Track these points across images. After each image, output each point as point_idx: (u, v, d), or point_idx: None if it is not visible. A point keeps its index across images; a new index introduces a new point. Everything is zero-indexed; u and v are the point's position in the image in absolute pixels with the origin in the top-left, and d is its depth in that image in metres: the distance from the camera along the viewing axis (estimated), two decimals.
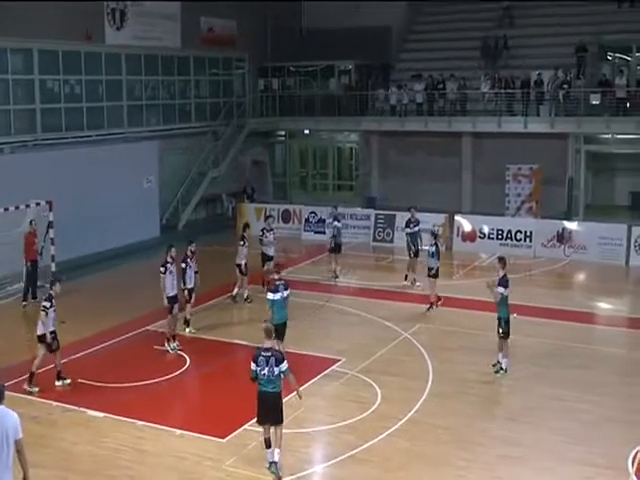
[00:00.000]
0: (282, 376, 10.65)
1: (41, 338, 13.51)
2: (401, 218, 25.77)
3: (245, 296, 19.21)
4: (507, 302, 14.36)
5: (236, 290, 19.21)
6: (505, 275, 14.41)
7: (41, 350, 13.52)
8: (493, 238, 24.02)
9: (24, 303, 18.92)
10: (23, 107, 23.74)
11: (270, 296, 14.26)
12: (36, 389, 13.49)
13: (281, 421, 10.84)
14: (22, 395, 13.22)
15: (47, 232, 20.64)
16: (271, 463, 10.78)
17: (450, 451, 11.54)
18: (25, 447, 11.40)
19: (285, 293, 14.41)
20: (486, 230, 24.18)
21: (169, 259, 15.65)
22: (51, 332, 13.59)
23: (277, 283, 14.50)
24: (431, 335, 16.57)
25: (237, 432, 12.09)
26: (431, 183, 29.14)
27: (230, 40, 32.52)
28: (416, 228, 20.58)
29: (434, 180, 29.27)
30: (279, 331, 13.96)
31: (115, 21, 26.78)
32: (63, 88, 25.10)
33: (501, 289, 14.21)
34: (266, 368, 10.57)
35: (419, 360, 15.13)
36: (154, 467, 11.07)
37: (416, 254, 20.50)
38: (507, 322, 14.30)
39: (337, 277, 21.53)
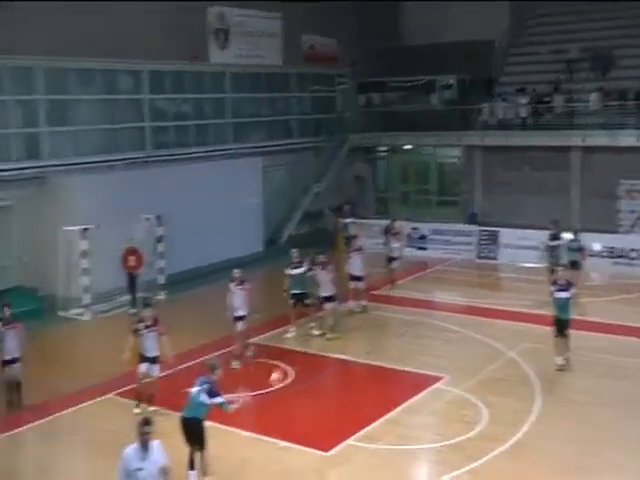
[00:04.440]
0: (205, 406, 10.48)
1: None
2: (505, 234, 25.34)
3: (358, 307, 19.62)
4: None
5: (363, 302, 19.60)
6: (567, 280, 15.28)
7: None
8: (605, 257, 23.09)
9: (131, 311, 19.62)
10: (134, 125, 24.60)
11: (287, 271, 17.32)
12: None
13: (201, 447, 10.59)
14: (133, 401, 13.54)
15: (156, 246, 21.27)
16: None
17: (560, 476, 11.09)
18: None
19: (296, 271, 17.23)
20: (597, 248, 23.23)
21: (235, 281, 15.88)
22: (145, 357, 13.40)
23: (295, 261, 17.33)
24: (538, 355, 15.98)
25: (341, 446, 12.02)
26: (537, 199, 28.30)
27: (331, 56, 32.80)
28: (556, 242, 20.25)
29: (540, 195, 28.45)
30: (300, 299, 17.29)
31: (219, 41, 27.47)
32: (171, 107, 25.91)
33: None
34: (196, 388, 10.52)
35: (525, 380, 14.68)
36: (257, 477, 11.13)
37: (551, 270, 19.96)
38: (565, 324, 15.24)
39: None
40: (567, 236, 20.55)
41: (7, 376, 13.72)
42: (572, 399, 13.87)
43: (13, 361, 13.66)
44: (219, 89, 27.63)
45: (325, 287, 17.39)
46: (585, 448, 11.92)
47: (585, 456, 11.67)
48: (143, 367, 13.22)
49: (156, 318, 13.39)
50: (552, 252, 20.39)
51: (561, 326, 15.04)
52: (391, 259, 21.72)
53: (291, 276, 17.35)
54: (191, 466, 10.60)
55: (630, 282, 21.90)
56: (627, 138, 26.50)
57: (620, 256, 23.07)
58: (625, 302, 20.30)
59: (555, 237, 20.48)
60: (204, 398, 10.40)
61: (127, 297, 20.19)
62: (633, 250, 22.93)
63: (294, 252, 17.70)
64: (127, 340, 13.33)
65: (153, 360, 13.31)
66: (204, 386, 10.46)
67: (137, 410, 13.11)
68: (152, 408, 13.23)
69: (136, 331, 13.18)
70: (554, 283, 15.11)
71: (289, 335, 17.57)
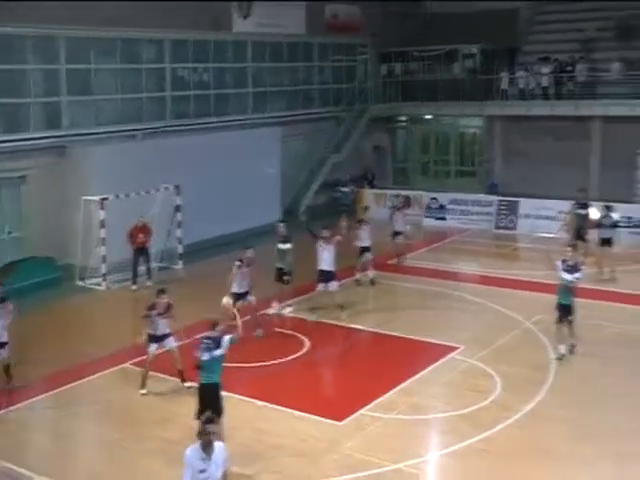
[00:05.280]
0: (221, 362, 10.55)
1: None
2: (525, 204, 25.26)
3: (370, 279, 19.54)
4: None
5: (368, 273, 19.55)
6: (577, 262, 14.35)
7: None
8: (622, 226, 22.93)
9: (133, 287, 19.60)
10: (155, 95, 24.59)
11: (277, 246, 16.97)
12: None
13: (219, 414, 10.27)
14: (151, 373, 13.53)
15: (174, 215, 21.45)
16: None
17: (572, 446, 11.19)
18: (154, 423, 12.11)
19: (283, 246, 16.86)
20: (615, 217, 23.09)
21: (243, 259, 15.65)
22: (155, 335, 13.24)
23: (281, 236, 16.97)
24: (553, 325, 16.01)
25: (354, 416, 12.17)
26: (557, 169, 28.14)
27: (354, 26, 32.52)
28: (582, 210, 20.47)
29: (560, 165, 28.24)
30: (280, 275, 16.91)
31: (242, 10, 27.32)
32: (192, 76, 25.91)
33: (578, 274, 14.20)
34: (206, 354, 10.50)
35: (541, 351, 14.75)
36: (272, 446, 11.29)
37: (581, 236, 20.32)
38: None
39: None
40: (596, 211, 20.44)
41: None
42: (586, 369, 13.92)
43: (1, 345, 13.35)
44: (240, 58, 27.53)
45: (326, 262, 16.90)
46: (598, 416, 12.02)
47: (598, 424, 11.77)
48: (153, 347, 13.23)
49: (169, 304, 13.23)
50: (578, 220, 20.43)
51: (561, 311, 14.41)
52: (396, 233, 21.43)
53: (279, 251, 16.94)
54: None
55: None
56: None
57: (637, 226, 22.96)
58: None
59: (583, 205, 20.51)
60: (216, 353, 10.49)
61: (140, 269, 20.00)
62: None
63: (280, 226, 17.28)
64: (142, 323, 13.32)
65: (163, 337, 13.27)
66: (212, 345, 10.53)
67: (143, 391, 13.16)
68: (188, 384, 13.08)
69: (147, 317, 13.14)
70: (563, 261, 14.41)
71: (271, 311, 17.12)
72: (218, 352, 10.54)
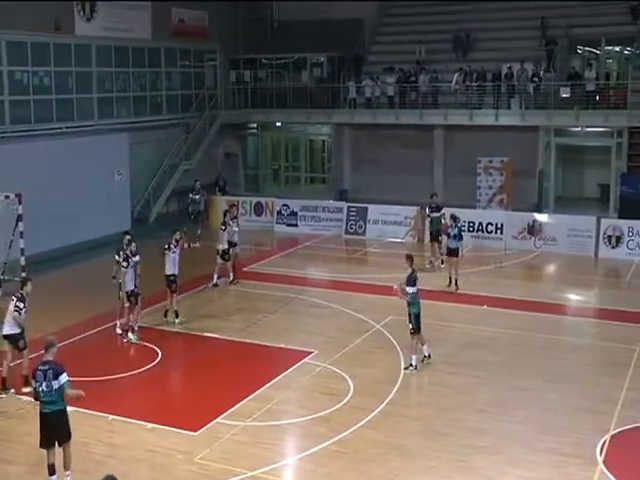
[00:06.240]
0: (62, 391, 9.89)
1: (9, 338, 13.04)
2: (373, 211, 25.99)
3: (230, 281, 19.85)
4: (418, 298, 14.36)
5: (216, 277, 19.67)
6: (413, 272, 14.36)
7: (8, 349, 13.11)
8: (464, 230, 24.06)
9: None
10: None
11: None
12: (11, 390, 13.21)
13: (68, 438, 10.06)
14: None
15: (16, 225, 20.39)
16: None
17: (422, 442, 11.64)
18: None
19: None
20: (460, 227, 24.13)
21: (128, 252, 15.77)
22: (20, 333, 13.07)
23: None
24: (402, 327, 16.38)
25: (209, 425, 12.08)
26: (403, 176, 29.25)
27: (201, 31, 32.38)
28: (436, 214, 21.40)
29: (406, 173, 29.37)
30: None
31: (85, 12, 26.48)
32: (32, 80, 24.80)
33: (410, 289, 14.19)
34: (44, 383, 9.86)
35: (391, 352, 15.22)
36: (125, 461, 11.02)
37: (435, 239, 21.45)
38: (417, 318, 14.38)
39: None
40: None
41: None
42: (433, 368, 14.49)
43: None
44: (84, 62, 26.68)
45: (174, 267, 16.83)
46: (445, 414, 12.54)
47: (445, 421, 12.27)
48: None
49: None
50: (432, 224, 21.62)
51: (409, 319, 14.48)
52: (230, 244, 20.40)
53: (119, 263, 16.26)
54: (52, 470, 10.10)
55: (486, 254, 23.10)
56: (485, 117, 27.80)
57: (478, 230, 24.21)
58: (481, 274, 21.35)
59: (435, 209, 21.45)
60: (55, 386, 9.85)
61: None
62: (489, 224, 24.14)
63: (126, 238, 16.25)
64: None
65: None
66: (49, 373, 9.87)
67: (2, 395, 12.86)
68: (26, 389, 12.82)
69: (24, 308, 12.90)
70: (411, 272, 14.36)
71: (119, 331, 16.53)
72: (56, 385, 9.85)
